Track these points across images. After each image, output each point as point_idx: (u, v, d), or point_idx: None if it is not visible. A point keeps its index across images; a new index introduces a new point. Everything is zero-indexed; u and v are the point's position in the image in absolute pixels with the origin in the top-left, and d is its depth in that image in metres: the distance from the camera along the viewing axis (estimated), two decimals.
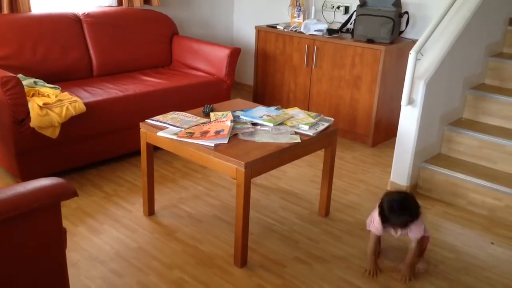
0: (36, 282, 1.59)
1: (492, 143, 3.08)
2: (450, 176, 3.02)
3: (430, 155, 3.22)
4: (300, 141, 2.38)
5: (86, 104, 2.99)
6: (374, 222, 2.28)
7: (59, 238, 1.62)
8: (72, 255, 2.33)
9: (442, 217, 2.89)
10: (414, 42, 3.10)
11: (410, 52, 2.80)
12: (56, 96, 2.94)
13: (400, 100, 2.95)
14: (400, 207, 2.16)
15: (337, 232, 2.67)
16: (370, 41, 3.73)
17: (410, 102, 2.92)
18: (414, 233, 2.24)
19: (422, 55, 3.08)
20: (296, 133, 2.46)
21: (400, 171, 3.10)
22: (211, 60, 3.92)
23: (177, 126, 2.47)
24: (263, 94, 4.55)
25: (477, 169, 3.07)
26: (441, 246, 2.58)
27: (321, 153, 2.73)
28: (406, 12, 3.85)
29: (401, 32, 3.90)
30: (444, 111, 3.22)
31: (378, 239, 2.37)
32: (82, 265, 2.29)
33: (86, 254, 2.37)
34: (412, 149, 3.02)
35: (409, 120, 2.99)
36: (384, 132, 3.96)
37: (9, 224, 1.43)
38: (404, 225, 2.19)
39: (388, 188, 3.15)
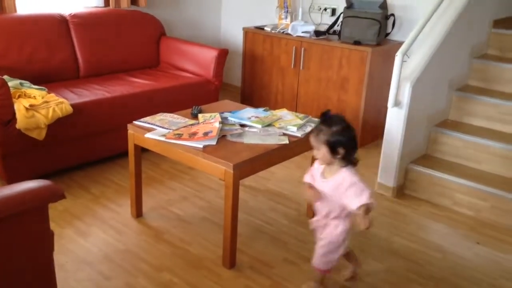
0: (23, 285, 1.57)
1: (477, 143, 3.12)
2: (436, 176, 3.06)
3: (417, 155, 3.26)
4: (288, 142, 2.39)
5: (72, 105, 2.97)
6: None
7: (46, 241, 1.60)
8: (59, 258, 2.30)
9: (428, 217, 2.93)
10: (400, 44, 3.12)
11: (396, 54, 2.83)
12: (42, 98, 2.91)
13: (387, 102, 2.98)
14: (326, 118, 1.98)
15: None
16: (357, 42, 3.75)
17: (397, 103, 2.95)
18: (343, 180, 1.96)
19: (408, 57, 3.11)
20: (284, 134, 2.47)
21: (387, 172, 3.12)
22: (199, 61, 3.92)
23: (165, 128, 2.46)
24: (251, 95, 4.55)
25: (463, 170, 3.11)
26: (428, 246, 2.61)
27: (309, 154, 2.72)
28: (393, 14, 3.89)
29: (387, 34, 3.94)
30: (430, 112, 3.25)
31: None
32: (69, 267, 2.27)
33: (74, 256, 2.36)
34: (398, 150, 3.04)
35: (395, 122, 3.02)
36: (371, 133, 3.99)
37: None
38: (318, 131, 1.93)
39: (375, 189, 3.18)
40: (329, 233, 2.06)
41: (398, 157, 3.06)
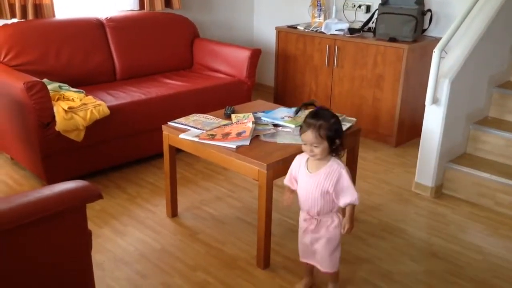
0: (62, 283, 1.61)
1: None
2: (477, 176, 2.97)
3: (456, 154, 3.16)
4: None
5: (110, 107, 3.03)
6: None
7: (85, 240, 1.64)
8: (97, 257, 2.35)
9: (468, 218, 2.84)
10: (437, 40, 3.04)
11: (434, 50, 2.76)
12: (80, 100, 2.98)
13: (424, 99, 2.91)
14: (317, 111, 1.95)
15: (361, 233, 2.64)
16: (392, 39, 3.68)
17: (435, 101, 2.88)
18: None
19: (446, 53, 3.03)
20: None
21: (425, 172, 3.05)
22: (232, 62, 3.93)
23: (199, 128, 2.48)
24: (284, 95, 4.53)
25: (504, 169, 3.00)
26: (468, 248, 2.54)
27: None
28: (429, 10, 3.80)
29: (424, 30, 3.85)
30: (470, 109, 3.16)
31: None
32: (107, 266, 2.32)
33: (111, 255, 2.40)
34: (437, 149, 2.97)
35: (433, 120, 2.95)
36: (408, 132, 3.91)
37: (37, 226, 1.46)
38: (318, 126, 1.85)
39: (413, 188, 3.12)
40: (325, 230, 2.01)
41: (436, 156, 2.98)
